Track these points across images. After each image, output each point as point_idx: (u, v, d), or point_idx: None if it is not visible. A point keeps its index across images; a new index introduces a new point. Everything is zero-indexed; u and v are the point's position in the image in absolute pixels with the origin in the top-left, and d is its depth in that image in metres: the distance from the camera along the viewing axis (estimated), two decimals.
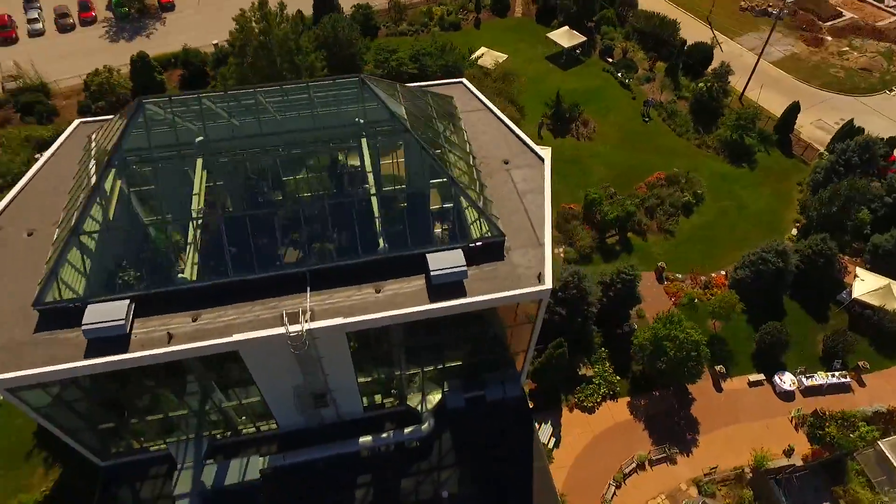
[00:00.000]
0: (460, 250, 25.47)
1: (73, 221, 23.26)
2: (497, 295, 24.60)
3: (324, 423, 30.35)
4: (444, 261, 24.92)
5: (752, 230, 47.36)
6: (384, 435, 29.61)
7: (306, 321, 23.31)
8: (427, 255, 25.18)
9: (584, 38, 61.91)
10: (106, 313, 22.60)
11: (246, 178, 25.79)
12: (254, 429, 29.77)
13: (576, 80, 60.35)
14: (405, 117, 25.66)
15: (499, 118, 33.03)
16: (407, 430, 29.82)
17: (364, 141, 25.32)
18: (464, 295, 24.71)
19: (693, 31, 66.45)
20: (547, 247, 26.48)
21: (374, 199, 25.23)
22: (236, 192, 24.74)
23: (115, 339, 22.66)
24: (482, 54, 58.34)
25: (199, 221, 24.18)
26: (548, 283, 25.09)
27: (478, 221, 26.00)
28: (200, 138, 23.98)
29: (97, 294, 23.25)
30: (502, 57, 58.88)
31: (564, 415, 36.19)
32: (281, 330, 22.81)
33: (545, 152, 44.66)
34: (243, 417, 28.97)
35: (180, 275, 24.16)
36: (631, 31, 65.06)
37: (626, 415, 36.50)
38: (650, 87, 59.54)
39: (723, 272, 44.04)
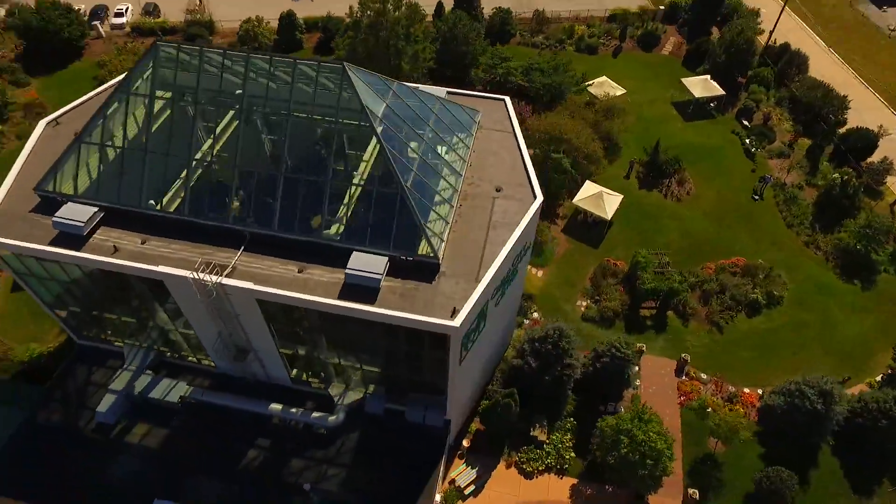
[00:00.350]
0: (386, 259, 25.09)
1: (81, 131, 27.14)
2: (394, 313, 23.86)
3: (255, 378, 32.00)
4: (365, 263, 24.76)
5: (826, 358, 39.41)
6: (293, 410, 30.36)
7: (220, 275, 24.74)
8: (354, 252, 25.23)
9: (721, 93, 55.50)
10: (74, 213, 26.18)
11: (224, 132, 27.69)
12: (195, 360, 32.32)
13: (694, 133, 54.50)
14: (378, 114, 25.64)
15: (518, 145, 31.37)
16: (315, 415, 30.29)
17: (329, 127, 25.77)
18: (369, 302, 24.35)
19: (868, 112, 56.11)
20: (482, 284, 24.93)
21: (325, 185, 25.69)
22: (216, 140, 26.82)
23: (73, 237, 26.15)
24: (598, 83, 55.11)
25: (177, 161, 26.65)
26: (458, 321, 23.68)
27: (419, 238, 25.23)
28: (192, 85, 26.40)
29: (77, 195, 26.90)
30: (619, 91, 55.08)
31: (499, 469, 33.79)
32: (189, 274, 24.51)
33: (615, 198, 41.30)
34: (186, 346, 31.52)
35: (150, 201, 27.01)
36: (785, 98, 56.79)
37: (565, 496, 33.03)
38: (779, 164, 51.72)
39: (759, 391, 37.42)
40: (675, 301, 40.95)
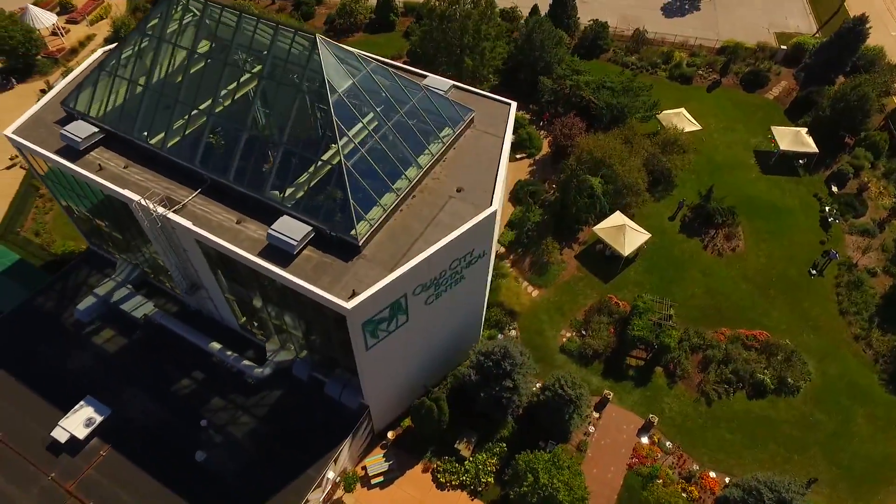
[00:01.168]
0: (310, 229, 25.70)
1: (103, 60, 30.63)
2: (295, 279, 24.43)
3: (211, 317, 34.27)
4: (287, 228, 25.56)
5: (828, 469, 33.83)
6: (228, 353, 32.10)
7: (164, 208, 26.86)
8: (283, 215, 26.12)
9: (814, 150, 48.99)
10: (78, 129, 29.68)
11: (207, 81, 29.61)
12: (169, 286, 35.21)
13: (768, 187, 48.74)
14: (338, 88, 26.14)
15: (502, 153, 30.36)
16: (245, 363, 31.78)
17: (293, 93, 26.64)
18: (282, 266, 25.12)
19: None
20: (391, 277, 24.70)
21: (277, 148, 26.75)
22: (199, 89, 28.92)
23: (72, 150, 29.69)
24: (673, 113, 51.01)
25: (167, 102, 29.16)
26: (352, 304, 23.72)
27: (347, 217, 25.47)
28: (192, 34, 28.67)
29: (88, 114, 30.41)
30: (694, 127, 50.61)
31: (415, 470, 33.21)
32: (137, 199, 26.86)
33: (639, 236, 40.25)
34: (161, 271, 34.42)
35: (144, 133, 29.86)
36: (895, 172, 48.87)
37: None
38: (858, 242, 44.77)
39: (727, 479, 33.10)
40: (667, 359, 37.29)
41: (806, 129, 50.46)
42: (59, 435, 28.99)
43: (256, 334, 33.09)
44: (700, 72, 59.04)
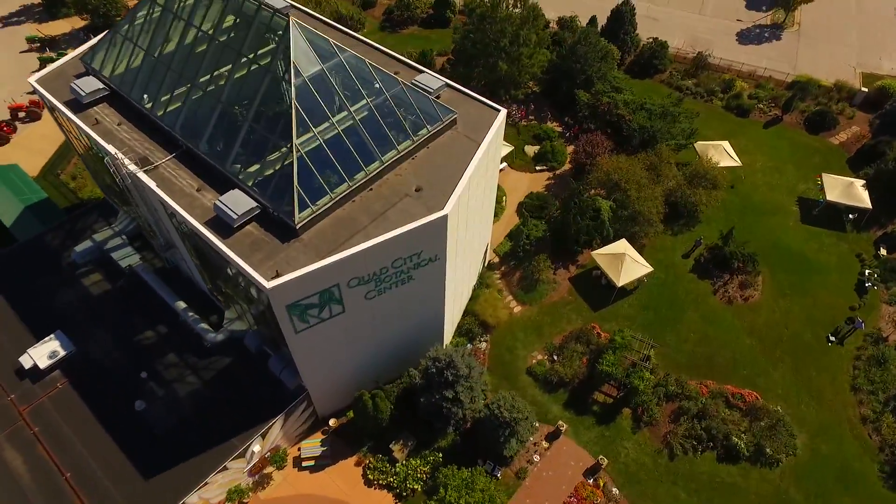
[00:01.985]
0: (255, 205, 26.28)
1: (118, 22, 32.74)
2: (224, 248, 25.17)
3: (188, 278, 35.88)
4: (233, 201, 26.28)
5: None
6: (190, 314, 33.46)
7: (135, 165, 28.38)
8: (236, 188, 26.86)
9: (867, 206, 44.07)
10: (85, 85, 31.95)
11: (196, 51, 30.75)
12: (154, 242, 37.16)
13: (804, 238, 44.36)
14: (304, 72, 26.42)
15: (473, 159, 29.58)
16: (202, 326, 33.01)
17: (264, 72, 27.20)
18: (222, 236, 25.84)
19: None
20: (319, 264, 24.80)
21: (243, 124, 27.49)
22: (191, 61, 30.20)
23: (77, 101, 32.00)
24: (712, 145, 47.51)
25: (163, 68, 30.72)
26: (272, 284, 24.05)
27: (291, 199, 25.76)
28: (189, 9, 30.01)
29: (98, 72, 32.63)
30: (733, 162, 46.94)
31: (348, 462, 33.05)
32: (113, 152, 28.54)
33: (638, 268, 40.52)
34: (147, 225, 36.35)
35: (144, 96, 31.66)
36: None
37: None
38: (894, 314, 39.83)
39: None
40: (636, 401, 34.94)
41: (863, 182, 45.48)
42: (25, 361, 31.45)
43: (220, 300, 34.25)
44: (761, 105, 54.65)
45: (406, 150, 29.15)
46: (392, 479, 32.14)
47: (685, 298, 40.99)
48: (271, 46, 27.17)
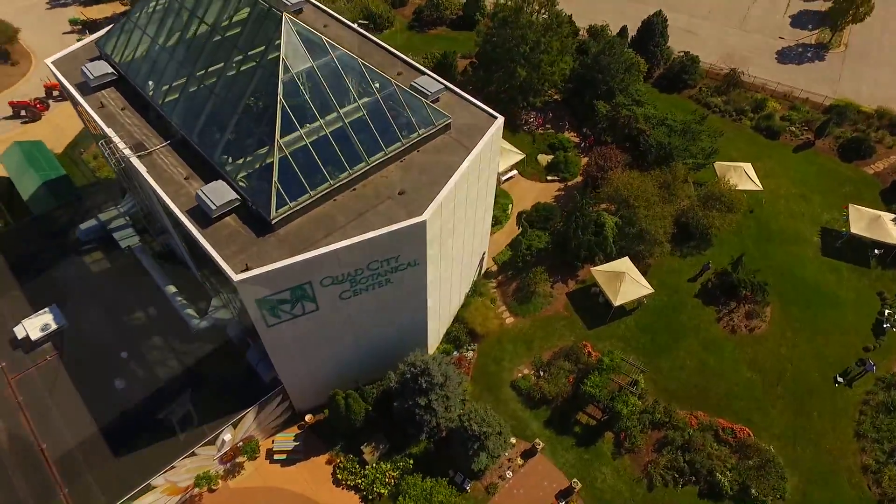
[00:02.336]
0: (235, 196, 26.47)
1: (131, 9, 33.58)
2: (199, 237, 25.32)
3: (182, 261, 36.57)
4: (213, 191, 26.54)
5: None
6: (178, 299, 34.03)
7: (130, 150, 29.02)
8: (220, 179, 27.15)
9: (894, 243, 41.49)
10: (95, 68, 32.84)
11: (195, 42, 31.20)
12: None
13: (823, 271, 42.06)
14: (293, 69, 26.45)
15: (461, 166, 29.09)
16: (187, 311, 33.54)
17: (255, 67, 27.37)
18: (201, 226, 26.14)
19: None
20: (292, 260, 24.85)
21: (231, 117, 27.72)
22: (192, 51, 30.68)
23: (84, 83, 32.91)
24: (733, 167, 45.53)
25: (165, 54, 31.35)
26: (240, 277, 24.17)
27: (269, 194, 25.83)
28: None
29: (110, 57, 33.53)
30: (753, 186, 44.89)
31: (319, 459, 33.08)
32: (111, 134, 29.30)
33: (638, 289, 40.55)
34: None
35: (150, 83, 32.36)
36: None
37: None
38: None
39: None
40: (619, 427, 33.75)
41: (894, 217, 42.83)
42: (19, 332, 32.59)
43: (208, 286, 34.74)
44: (792, 128, 52.19)
45: (394, 153, 28.86)
46: (360, 481, 31.96)
47: (686, 324, 39.41)
48: (264, 41, 27.29)
